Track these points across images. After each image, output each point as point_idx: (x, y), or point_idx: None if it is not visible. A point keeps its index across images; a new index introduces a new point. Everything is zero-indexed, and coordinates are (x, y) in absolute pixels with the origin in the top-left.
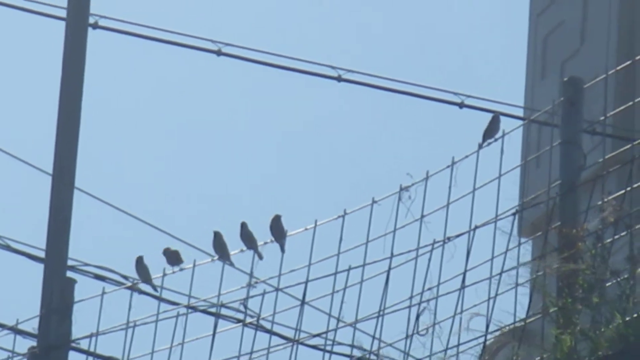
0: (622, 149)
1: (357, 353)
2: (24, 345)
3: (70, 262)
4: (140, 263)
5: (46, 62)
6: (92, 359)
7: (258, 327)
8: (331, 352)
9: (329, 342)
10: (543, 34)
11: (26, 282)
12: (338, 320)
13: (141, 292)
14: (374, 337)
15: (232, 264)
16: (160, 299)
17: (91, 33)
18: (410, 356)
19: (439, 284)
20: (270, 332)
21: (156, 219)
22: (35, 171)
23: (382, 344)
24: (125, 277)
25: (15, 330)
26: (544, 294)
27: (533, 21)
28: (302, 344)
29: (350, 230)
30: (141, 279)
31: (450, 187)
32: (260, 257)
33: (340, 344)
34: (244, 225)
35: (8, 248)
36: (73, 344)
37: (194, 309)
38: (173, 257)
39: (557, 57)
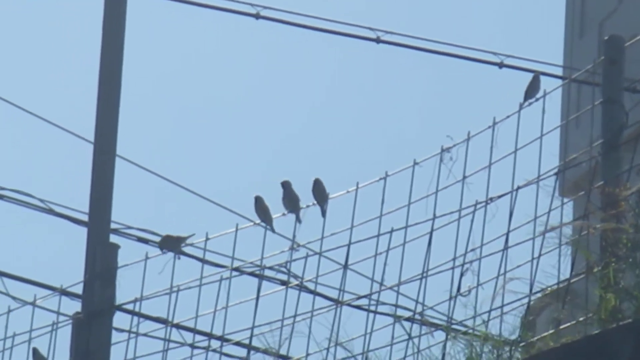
0: None
1: (401, 313)
2: (70, 309)
3: (113, 226)
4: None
5: (86, 29)
6: (138, 321)
7: (302, 289)
8: (375, 312)
9: (372, 303)
10: None
11: (71, 246)
12: (381, 283)
13: (184, 254)
14: (417, 300)
15: (273, 230)
16: (203, 261)
17: None
18: (453, 318)
19: (481, 245)
20: (314, 293)
21: (196, 184)
22: (77, 139)
23: (425, 306)
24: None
25: (61, 293)
26: (587, 254)
27: None
28: (346, 305)
29: (391, 192)
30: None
31: (491, 148)
32: (299, 221)
33: (384, 304)
34: (286, 186)
35: (51, 212)
36: (117, 309)
37: (238, 271)
38: (165, 241)
39: (595, 16)
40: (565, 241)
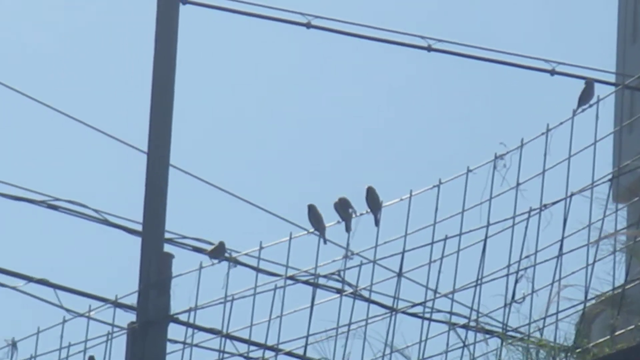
0: None
1: (455, 320)
2: (124, 319)
3: (167, 236)
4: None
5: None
6: (192, 332)
7: (356, 297)
8: (430, 320)
9: (427, 311)
10: None
11: (125, 256)
12: (435, 291)
13: (238, 263)
14: (472, 307)
15: (324, 239)
16: (258, 270)
17: (182, 9)
18: (507, 326)
19: (536, 251)
20: (369, 301)
21: (249, 193)
22: (131, 149)
23: (479, 313)
24: (224, 250)
25: (115, 304)
26: None
27: None
28: (402, 312)
29: (445, 200)
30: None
31: (545, 155)
32: (347, 230)
33: (439, 311)
34: (342, 201)
35: (106, 222)
36: (172, 319)
37: (293, 279)
38: (216, 251)
39: None
40: (619, 247)
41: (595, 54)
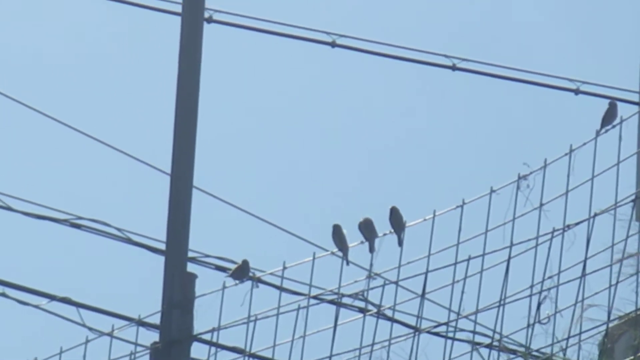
0: None
1: (479, 340)
2: (147, 339)
3: (190, 254)
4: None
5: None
6: (216, 351)
7: (380, 316)
8: (453, 339)
9: (450, 330)
10: None
11: (148, 275)
12: (458, 313)
13: (262, 282)
14: (495, 328)
15: (347, 261)
16: (281, 289)
17: (206, 28)
18: (531, 346)
19: (559, 272)
20: (392, 320)
21: (272, 214)
22: (155, 170)
23: (503, 334)
24: (247, 270)
25: (139, 323)
26: None
27: None
28: (425, 332)
29: (469, 220)
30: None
31: (568, 175)
32: (371, 251)
33: (462, 330)
34: (367, 222)
35: (129, 241)
36: (195, 339)
37: (317, 298)
38: (239, 271)
39: None
40: None
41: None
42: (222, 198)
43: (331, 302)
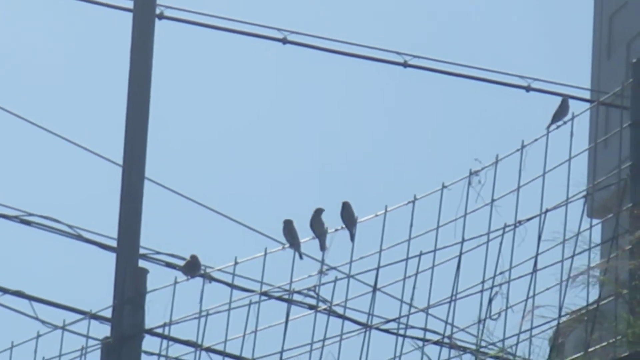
0: None
1: (430, 337)
2: (99, 333)
3: (141, 251)
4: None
5: (114, 54)
6: (167, 344)
7: (331, 313)
8: (404, 336)
9: (401, 327)
10: (608, 14)
11: (99, 271)
12: (410, 305)
13: (213, 279)
14: (446, 322)
15: (300, 255)
16: (232, 286)
17: (158, 24)
18: (482, 340)
19: (510, 268)
20: (343, 318)
21: (225, 207)
22: (106, 162)
23: (454, 329)
24: (198, 266)
25: (91, 317)
26: (616, 277)
27: (598, 2)
28: (375, 328)
29: (420, 215)
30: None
31: (520, 171)
32: (322, 249)
33: (412, 327)
34: (315, 213)
35: (80, 238)
36: (147, 332)
37: (267, 295)
38: (190, 266)
39: (622, 37)
40: (593, 263)
41: (570, 70)
42: (175, 190)
43: (282, 299)
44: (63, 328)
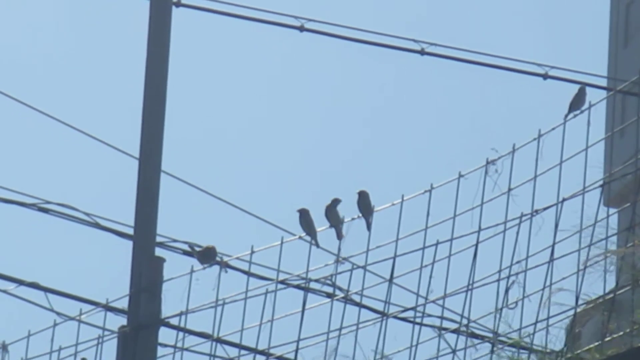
0: None
1: (447, 326)
2: (115, 323)
3: (158, 239)
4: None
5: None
6: (183, 336)
7: (347, 301)
8: (421, 325)
9: (418, 315)
10: (625, 2)
11: (115, 260)
12: (426, 296)
13: (230, 267)
14: (462, 313)
15: (317, 244)
16: (249, 274)
17: (175, 12)
18: (498, 330)
19: (527, 257)
20: (360, 306)
21: (241, 199)
22: (123, 154)
23: (471, 319)
24: (214, 254)
25: (106, 308)
26: (631, 269)
27: None
28: (392, 317)
29: (437, 205)
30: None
31: (537, 160)
32: (339, 237)
33: (430, 315)
34: (332, 203)
35: (97, 225)
36: (163, 322)
37: (284, 283)
38: (205, 254)
39: (639, 25)
40: (610, 254)
41: (588, 58)
42: (191, 182)
43: (299, 287)
44: (79, 320)
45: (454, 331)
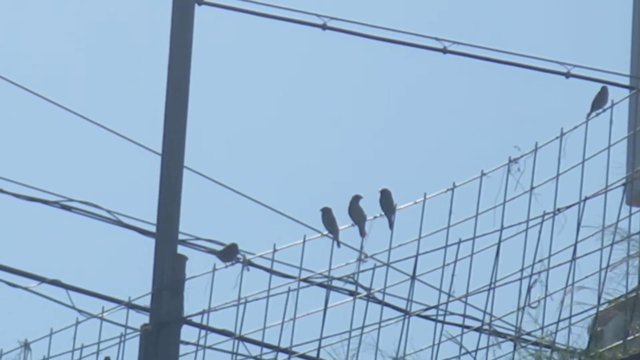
0: None
1: (469, 324)
2: (137, 321)
3: (180, 237)
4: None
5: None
6: (206, 334)
7: (370, 299)
8: (444, 323)
9: (440, 314)
10: None
11: (138, 257)
12: (449, 295)
13: (252, 265)
14: (485, 311)
15: (339, 243)
16: (271, 272)
17: (197, 10)
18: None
19: (549, 255)
20: (382, 304)
21: (264, 196)
22: (145, 151)
23: (493, 317)
24: (236, 252)
25: (129, 306)
26: None
27: None
28: (415, 315)
29: (459, 203)
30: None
31: (559, 158)
32: (362, 235)
33: (452, 314)
34: (353, 200)
35: (119, 223)
36: (185, 322)
37: (306, 281)
38: (227, 252)
39: None
40: (633, 252)
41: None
42: (214, 179)
43: (321, 285)
44: (101, 318)
45: (476, 329)
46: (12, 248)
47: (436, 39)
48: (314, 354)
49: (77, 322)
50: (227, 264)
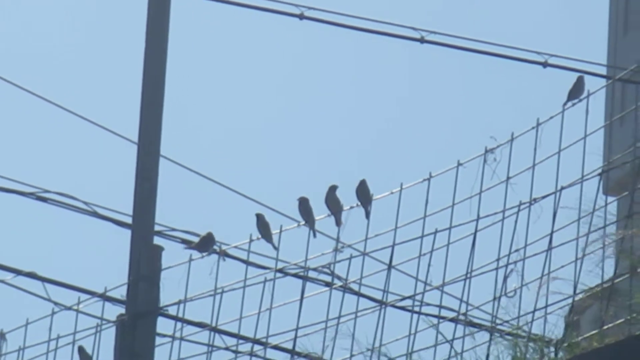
0: None
1: (445, 314)
2: (113, 312)
3: (156, 228)
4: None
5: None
6: (182, 326)
7: (346, 290)
8: (419, 313)
9: (417, 304)
10: None
11: (114, 248)
12: (425, 283)
13: (228, 256)
14: (461, 300)
15: (314, 233)
16: (247, 263)
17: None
18: (498, 318)
19: (525, 245)
20: (358, 294)
21: (240, 185)
22: (122, 140)
23: (470, 306)
24: (212, 242)
25: (104, 298)
26: (629, 257)
27: None
28: (390, 305)
29: (435, 193)
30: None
31: (535, 148)
32: (337, 224)
33: (428, 304)
34: (330, 190)
35: (95, 214)
36: (161, 311)
37: (282, 272)
38: (203, 242)
39: (639, 13)
40: (608, 242)
41: (587, 46)
42: (190, 168)
43: (297, 275)
44: (77, 310)
45: (452, 319)
46: None
47: (413, 28)
48: (290, 345)
49: (53, 313)
50: (204, 254)
